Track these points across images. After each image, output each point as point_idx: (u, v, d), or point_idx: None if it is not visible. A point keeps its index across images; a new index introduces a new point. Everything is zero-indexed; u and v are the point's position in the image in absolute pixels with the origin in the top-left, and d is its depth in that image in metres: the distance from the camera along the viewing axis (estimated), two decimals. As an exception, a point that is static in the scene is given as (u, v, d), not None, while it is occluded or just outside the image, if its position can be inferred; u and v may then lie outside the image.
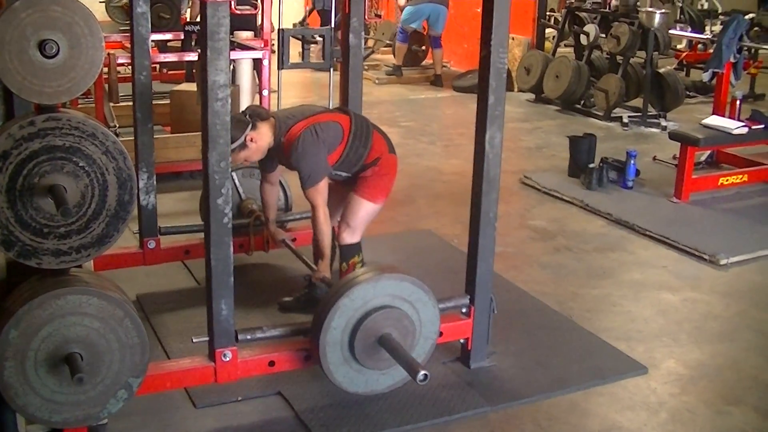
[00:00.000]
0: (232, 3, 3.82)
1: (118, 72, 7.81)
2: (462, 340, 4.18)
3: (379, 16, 14.34)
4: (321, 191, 4.32)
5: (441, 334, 3.92)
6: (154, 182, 4.86)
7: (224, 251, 3.48)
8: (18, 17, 3.06)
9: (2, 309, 3.28)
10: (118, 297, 3.28)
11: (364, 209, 4.52)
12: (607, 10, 10.44)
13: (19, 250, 3.18)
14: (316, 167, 4.30)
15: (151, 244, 4.89)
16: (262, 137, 4.36)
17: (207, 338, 3.62)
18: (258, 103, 7.09)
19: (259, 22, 8.51)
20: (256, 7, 8.05)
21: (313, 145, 4.31)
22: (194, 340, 3.69)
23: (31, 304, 3.12)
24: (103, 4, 13.79)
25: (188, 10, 10.81)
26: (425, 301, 3.77)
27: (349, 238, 4.55)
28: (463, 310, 4.12)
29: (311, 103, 4.53)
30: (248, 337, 3.71)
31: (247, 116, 4.36)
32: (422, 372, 3.42)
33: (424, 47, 12.92)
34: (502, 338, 4.45)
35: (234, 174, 5.16)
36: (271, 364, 3.74)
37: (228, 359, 3.60)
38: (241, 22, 7.81)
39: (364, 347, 3.63)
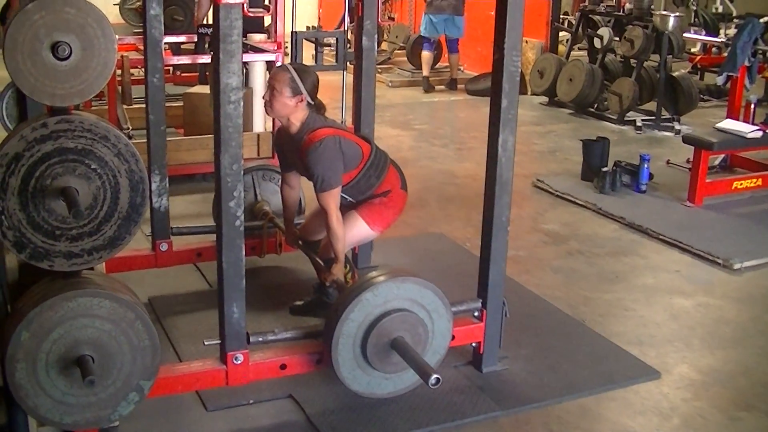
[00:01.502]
0: (245, 5, 3.81)
1: (132, 74, 7.85)
2: (474, 344, 4.17)
3: (393, 19, 14.32)
4: (334, 196, 4.29)
5: (453, 337, 3.91)
6: (167, 185, 4.86)
7: (236, 254, 3.48)
8: (31, 19, 3.07)
9: (14, 310, 3.28)
10: (130, 299, 3.28)
11: (358, 229, 4.49)
12: (620, 13, 10.42)
13: (31, 252, 3.18)
14: (331, 173, 4.27)
15: (163, 247, 4.90)
16: (296, 110, 4.32)
17: (218, 341, 3.62)
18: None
19: (268, 23, 8.53)
20: (268, 10, 8.04)
21: (333, 152, 4.28)
22: (206, 343, 3.68)
23: (43, 306, 3.12)
24: (117, 6, 13.83)
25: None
26: (442, 313, 3.77)
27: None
28: (475, 314, 4.11)
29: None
30: (260, 339, 3.71)
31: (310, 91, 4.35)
32: (434, 376, 3.41)
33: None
34: (514, 342, 4.44)
35: (253, 175, 5.16)
36: (283, 367, 3.74)
37: (239, 362, 3.60)
38: (253, 25, 7.83)
39: (376, 346, 3.63)
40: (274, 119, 6.37)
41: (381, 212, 4.52)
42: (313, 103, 4.36)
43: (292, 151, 4.46)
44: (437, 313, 3.75)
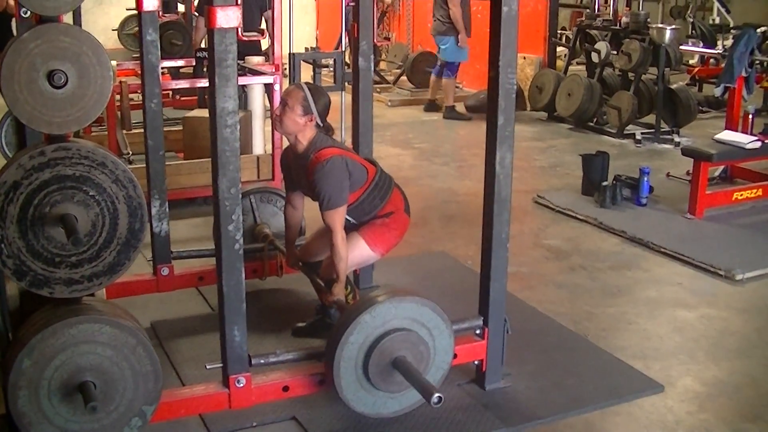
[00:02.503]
0: (239, 30, 3.83)
1: (131, 99, 7.87)
2: (476, 362, 4.16)
3: (389, 39, 14.35)
4: (340, 214, 4.28)
5: (455, 355, 3.90)
6: (167, 209, 4.87)
7: (236, 277, 3.48)
8: (27, 48, 3.09)
9: (16, 338, 3.29)
10: (131, 325, 3.28)
11: (360, 250, 4.46)
12: (617, 27, 10.44)
13: (31, 280, 3.19)
14: (338, 191, 4.26)
15: (165, 271, 4.90)
16: (304, 129, 4.33)
17: (221, 364, 3.62)
18: (270, 129, 7.08)
19: (266, 46, 8.56)
20: (263, 34, 8.07)
21: (340, 170, 4.28)
22: (208, 367, 3.68)
23: (44, 333, 3.13)
24: (116, 31, 13.92)
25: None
26: (442, 330, 3.77)
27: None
28: (477, 332, 4.10)
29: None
30: (261, 361, 3.71)
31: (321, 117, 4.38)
32: (437, 395, 3.41)
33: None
34: (517, 359, 4.42)
35: (251, 198, 5.17)
36: (285, 389, 3.73)
37: (242, 385, 3.60)
38: (251, 48, 7.85)
39: (378, 367, 3.63)
40: (274, 143, 6.42)
41: (383, 234, 4.51)
42: (322, 125, 4.38)
43: (298, 169, 4.47)
44: (438, 329, 3.75)
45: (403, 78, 13.22)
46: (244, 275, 3.51)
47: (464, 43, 10.91)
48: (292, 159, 4.51)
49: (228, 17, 3.23)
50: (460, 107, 11.47)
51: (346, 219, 4.42)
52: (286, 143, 4.66)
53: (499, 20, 3.73)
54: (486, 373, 4.16)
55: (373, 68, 4.97)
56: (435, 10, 11.03)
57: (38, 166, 3.12)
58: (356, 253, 4.46)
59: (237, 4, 3.31)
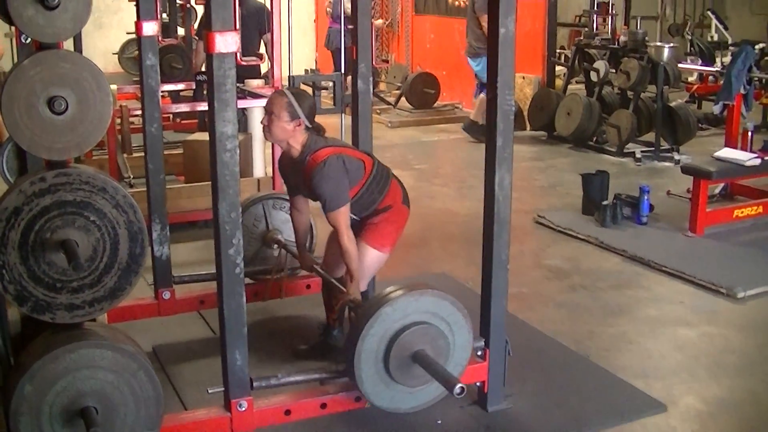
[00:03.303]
0: (238, 54, 3.85)
1: (132, 122, 7.89)
2: (478, 383, 4.16)
3: (387, 62, 14.38)
4: (344, 214, 4.26)
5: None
6: (168, 233, 4.88)
7: (237, 301, 3.48)
8: (27, 75, 3.11)
9: (17, 363, 3.29)
10: (132, 349, 3.29)
11: (370, 257, 4.45)
12: (616, 45, 10.47)
13: (32, 305, 3.20)
14: (338, 191, 4.25)
15: (166, 295, 4.90)
16: (294, 134, 4.32)
17: (222, 388, 3.62)
18: (270, 150, 7.11)
19: (265, 69, 8.58)
20: (261, 58, 8.09)
21: (338, 170, 4.27)
22: (209, 391, 3.67)
23: (45, 359, 3.13)
24: (116, 55, 13.97)
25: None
26: (462, 325, 3.80)
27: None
28: (479, 353, 4.10)
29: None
30: (263, 384, 3.71)
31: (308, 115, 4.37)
32: (459, 385, 3.46)
33: (434, 90, 12.92)
34: (519, 379, 4.42)
35: (263, 204, 5.18)
36: (288, 413, 3.74)
37: (243, 409, 3.60)
38: (251, 71, 7.88)
39: (398, 360, 3.65)
40: (274, 165, 6.41)
41: (384, 229, 4.47)
42: (311, 126, 4.38)
43: (296, 174, 4.45)
44: (457, 325, 3.78)
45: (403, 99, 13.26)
46: (245, 299, 3.51)
47: None
48: (289, 164, 4.49)
49: (226, 42, 3.25)
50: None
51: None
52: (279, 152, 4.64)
53: (496, 42, 3.75)
54: (488, 395, 4.16)
55: (372, 90, 4.98)
56: (468, 32, 10.99)
57: (39, 192, 3.13)
58: (368, 260, 4.44)
59: (235, 29, 3.33)
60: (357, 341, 3.61)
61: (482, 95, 10.86)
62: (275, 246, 5.16)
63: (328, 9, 12.32)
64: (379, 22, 14.25)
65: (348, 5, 11.78)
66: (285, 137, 4.33)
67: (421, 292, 3.71)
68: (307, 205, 4.73)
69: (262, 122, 4.40)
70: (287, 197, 4.90)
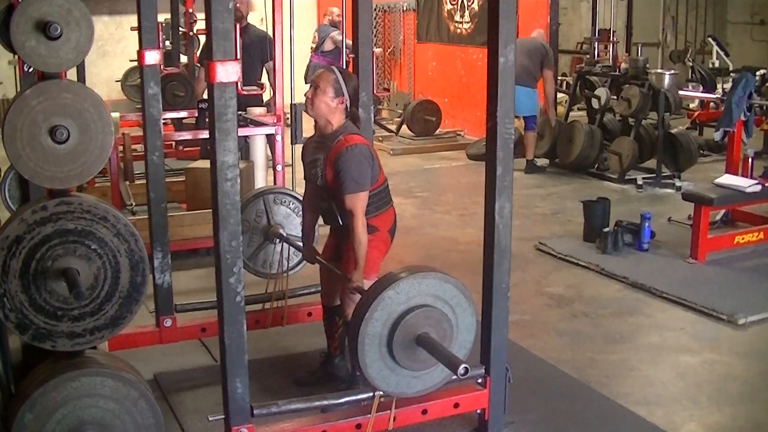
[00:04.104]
0: (239, 84, 3.87)
1: (135, 150, 7.92)
2: (479, 411, 4.16)
3: (388, 90, 14.43)
4: (362, 200, 4.27)
5: (458, 404, 3.90)
6: (169, 261, 4.89)
7: (237, 330, 3.49)
8: (29, 105, 3.14)
9: (18, 392, 3.30)
10: (133, 378, 3.30)
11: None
12: (617, 72, 10.50)
13: (33, 334, 3.21)
14: (362, 176, 4.27)
15: (168, 323, 4.91)
16: (335, 112, 4.36)
17: (223, 416, 3.62)
18: (272, 178, 7.14)
19: (267, 97, 8.62)
20: (262, 88, 8.13)
21: (366, 157, 4.31)
22: (210, 419, 3.67)
23: (46, 387, 3.15)
24: (119, 82, 14.04)
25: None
26: (465, 308, 3.80)
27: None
28: (479, 381, 4.10)
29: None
30: (264, 412, 3.71)
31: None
32: (463, 365, 3.47)
33: (435, 117, 12.94)
34: (521, 407, 4.42)
35: (264, 198, 5.21)
36: (288, 440, 3.74)
37: (244, 437, 3.60)
38: (251, 98, 7.90)
39: (402, 344, 3.65)
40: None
41: (369, 256, 4.37)
42: (350, 109, 4.42)
43: (319, 150, 4.44)
44: (461, 307, 3.78)
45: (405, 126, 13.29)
46: (245, 327, 3.52)
47: (552, 115, 10.81)
48: (316, 141, 4.50)
49: (227, 72, 3.27)
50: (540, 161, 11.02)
51: (337, 219, 4.44)
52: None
53: (496, 71, 3.78)
54: (489, 422, 4.15)
55: (373, 119, 5.01)
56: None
57: (40, 221, 3.16)
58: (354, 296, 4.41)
59: (236, 58, 3.35)
60: (360, 325, 3.61)
61: (529, 132, 10.66)
62: (277, 240, 5.17)
63: (312, 44, 12.33)
64: (377, 50, 14.31)
65: (329, 45, 11.90)
66: (326, 113, 4.36)
67: (424, 275, 3.71)
68: (318, 204, 4.66)
69: (305, 95, 4.42)
70: (290, 192, 4.89)
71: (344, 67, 7.49)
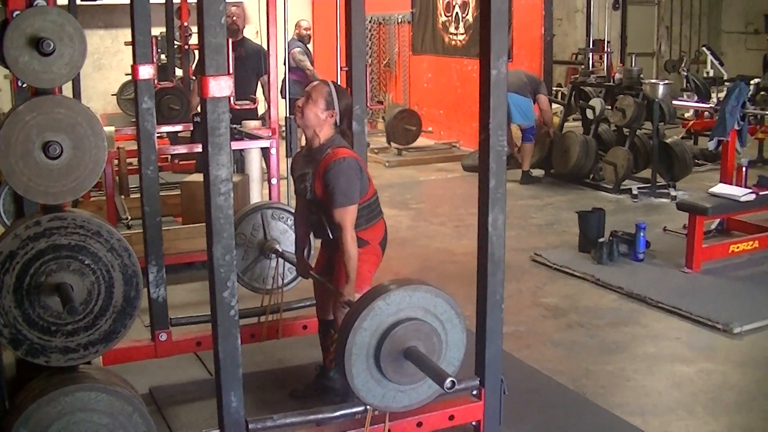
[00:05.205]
0: (232, 99, 3.88)
1: (130, 163, 7.93)
2: (474, 423, 4.15)
3: (381, 103, 14.42)
4: (351, 213, 4.28)
5: (453, 417, 3.90)
6: (164, 275, 4.89)
7: (232, 343, 3.48)
8: (23, 120, 3.14)
9: (12, 407, 3.30)
10: (127, 392, 3.30)
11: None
12: (611, 83, 10.53)
13: (27, 349, 3.21)
14: (351, 189, 4.28)
15: (163, 337, 4.90)
16: (324, 124, 4.37)
17: (218, 430, 3.61)
18: (267, 192, 7.14)
19: (262, 111, 8.63)
20: (255, 102, 8.13)
21: (355, 171, 4.32)
22: (205, 433, 3.68)
23: (40, 402, 3.14)
24: (115, 96, 14.05)
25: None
26: (455, 324, 3.78)
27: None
28: (474, 392, 4.10)
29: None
30: (259, 426, 3.70)
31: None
32: (449, 379, 3.43)
33: (415, 127, 12.85)
34: (516, 418, 4.42)
35: (262, 213, 5.21)
36: (283, 454, 3.73)
37: (239, 450, 3.59)
38: (247, 112, 7.92)
39: (390, 355, 3.62)
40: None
41: (360, 270, 4.40)
42: (339, 125, 4.42)
43: (308, 164, 4.46)
44: (451, 323, 3.76)
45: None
46: (240, 341, 3.52)
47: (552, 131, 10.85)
48: (305, 155, 4.52)
49: (220, 87, 3.27)
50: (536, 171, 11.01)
51: (329, 231, 4.43)
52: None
53: (489, 83, 3.80)
54: (484, 434, 4.15)
55: (366, 131, 5.02)
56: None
57: (34, 236, 3.16)
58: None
59: (229, 73, 3.36)
60: (348, 334, 3.58)
61: (526, 143, 10.72)
62: (272, 255, 5.17)
63: (291, 61, 11.80)
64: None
65: (293, 61, 11.49)
66: (315, 124, 4.38)
67: (415, 288, 3.68)
68: (307, 216, 4.67)
69: (297, 103, 4.44)
70: (286, 208, 4.90)
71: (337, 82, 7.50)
